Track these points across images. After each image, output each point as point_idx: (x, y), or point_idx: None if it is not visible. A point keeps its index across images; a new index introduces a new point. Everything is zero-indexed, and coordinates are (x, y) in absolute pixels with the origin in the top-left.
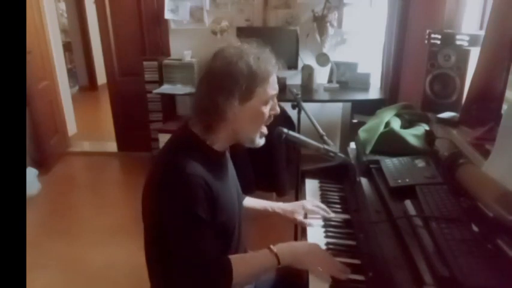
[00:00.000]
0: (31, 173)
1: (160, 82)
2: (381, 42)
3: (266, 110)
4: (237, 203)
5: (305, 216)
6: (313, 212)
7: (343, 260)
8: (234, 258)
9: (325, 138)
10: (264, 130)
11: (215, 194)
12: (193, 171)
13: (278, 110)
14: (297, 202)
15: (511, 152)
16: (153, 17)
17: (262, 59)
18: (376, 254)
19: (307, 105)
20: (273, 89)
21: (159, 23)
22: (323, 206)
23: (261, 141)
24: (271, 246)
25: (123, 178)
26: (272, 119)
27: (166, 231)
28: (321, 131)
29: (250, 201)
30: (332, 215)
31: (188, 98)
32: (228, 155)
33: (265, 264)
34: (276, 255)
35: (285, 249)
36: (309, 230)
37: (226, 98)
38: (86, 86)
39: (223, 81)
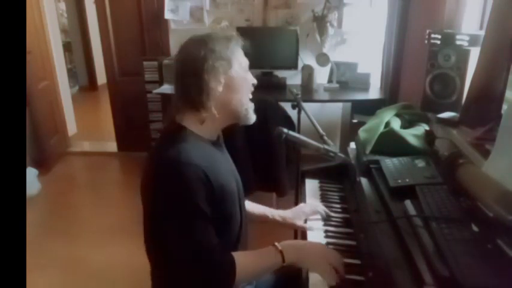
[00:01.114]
0: (31, 173)
1: (160, 82)
2: (381, 42)
3: (248, 76)
4: (237, 190)
5: (305, 221)
6: (313, 214)
7: (343, 260)
8: (237, 255)
9: (325, 138)
10: (251, 104)
11: (213, 183)
12: (190, 161)
13: (255, 80)
14: (295, 208)
15: (511, 152)
16: (153, 17)
17: (226, 31)
18: (376, 254)
19: (307, 105)
20: (244, 57)
21: (159, 23)
22: (322, 207)
23: (252, 117)
24: (276, 244)
25: (123, 178)
26: (252, 89)
27: (167, 225)
28: (321, 131)
29: (249, 206)
30: (330, 213)
31: None
32: (222, 144)
33: (269, 261)
34: (281, 252)
35: (291, 247)
36: (309, 233)
37: (209, 72)
38: (86, 86)
39: (201, 59)
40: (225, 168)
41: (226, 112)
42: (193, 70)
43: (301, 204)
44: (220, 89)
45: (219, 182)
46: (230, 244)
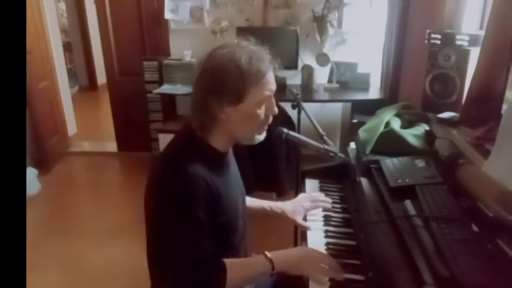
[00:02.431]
0: (31, 173)
1: (160, 82)
2: (381, 42)
3: (261, 111)
4: (241, 203)
5: (305, 218)
6: (313, 208)
7: (343, 261)
8: (229, 262)
9: (325, 138)
10: (263, 129)
11: (216, 194)
12: (193, 171)
13: (276, 110)
14: (296, 199)
15: (511, 152)
16: (153, 17)
17: (255, 60)
18: (376, 254)
19: (307, 105)
20: (267, 90)
21: (159, 23)
22: (322, 197)
23: (260, 138)
24: (267, 253)
25: (123, 178)
26: (271, 120)
27: (165, 231)
28: (321, 131)
29: (248, 201)
30: (330, 201)
31: (188, 98)
32: (231, 154)
33: (259, 270)
34: (270, 261)
35: (280, 256)
36: (308, 232)
37: (216, 100)
38: (86, 86)
39: (213, 84)
40: (230, 180)
41: (229, 136)
42: (201, 90)
43: (301, 196)
44: (224, 117)
45: (221, 194)
46: (230, 254)
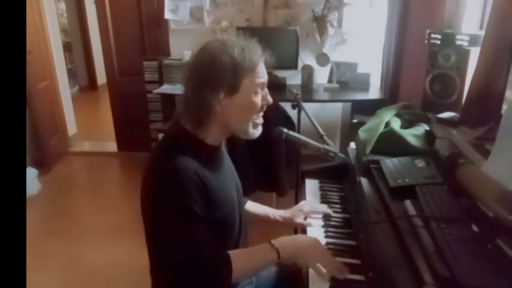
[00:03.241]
0: (31, 173)
1: (160, 82)
2: (381, 42)
3: (257, 99)
4: (237, 198)
5: (305, 219)
6: (312, 213)
7: (343, 260)
8: (233, 253)
9: (325, 138)
10: (259, 120)
11: (209, 188)
12: (184, 166)
13: (270, 100)
14: (295, 207)
15: (511, 152)
16: (153, 17)
17: (247, 50)
18: (376, 254)
19: (307, 105)
20: (260, 77)
21: (159, 23)
22: (324, 207)
23: (255, 132)
24: (272, 241)
25: (123, 178)
26: (264, 108)
27: (164, 227)
28: (321, 131)
29: (252, 207)
30: (331, 212)
31: None
32: (224, 149)
33: (265, 258)
34: (276, 249)
35: (286, 243)
36: (309, 229)
37: (212, 92)
38: (86, 86)
39: (208, 76)
40: (224, 175)
41: (225, 128)
42: (196, 84)
43: (302, 203)
44: (220, 109)
45: (215, 188)
46: (229, 244)
